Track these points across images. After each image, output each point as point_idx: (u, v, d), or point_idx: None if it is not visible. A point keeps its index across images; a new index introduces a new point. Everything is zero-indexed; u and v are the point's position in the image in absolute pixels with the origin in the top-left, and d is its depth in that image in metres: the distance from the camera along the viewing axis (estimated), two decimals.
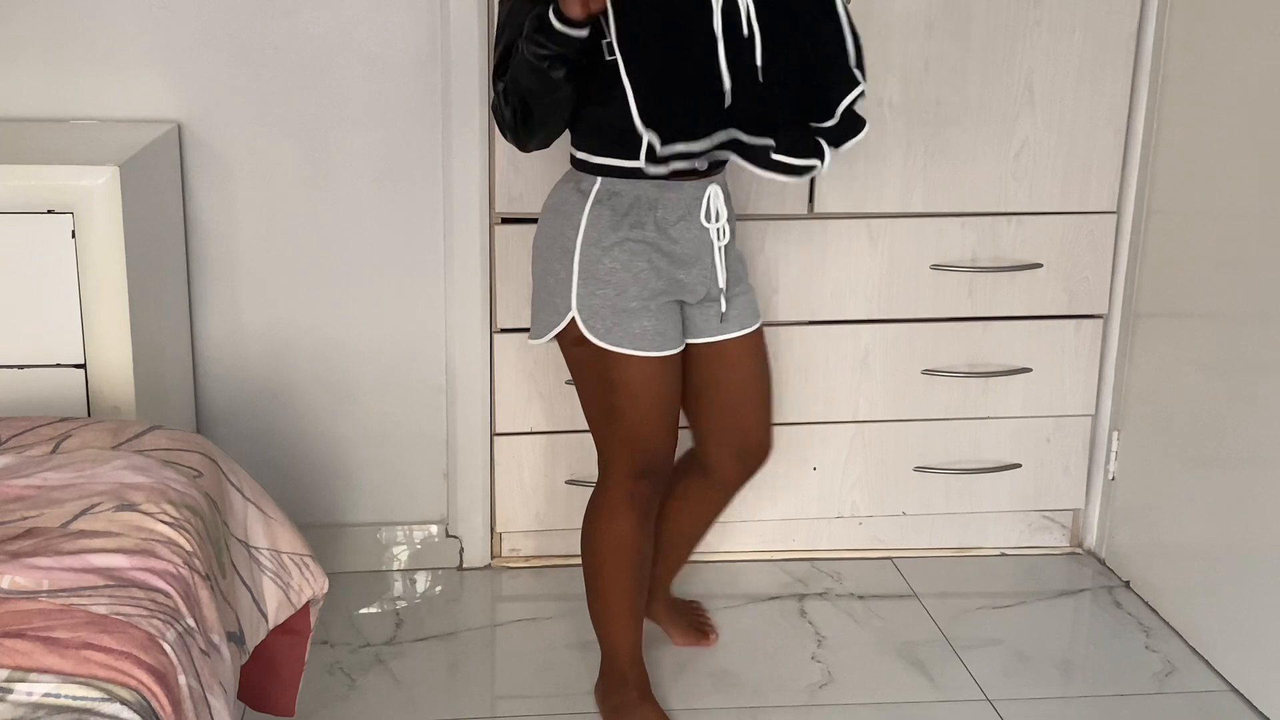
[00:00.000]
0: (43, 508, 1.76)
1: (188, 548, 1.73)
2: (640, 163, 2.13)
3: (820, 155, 2.19)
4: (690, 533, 2.63)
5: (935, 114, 2.90)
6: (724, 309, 2.35)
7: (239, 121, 2.84)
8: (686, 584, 3.06)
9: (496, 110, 2.21)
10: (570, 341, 2.32)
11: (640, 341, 2.28)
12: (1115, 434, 3.12)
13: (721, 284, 2.33)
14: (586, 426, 2.43)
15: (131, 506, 1.77)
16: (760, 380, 2.44)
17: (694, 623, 2.82)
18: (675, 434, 2.39)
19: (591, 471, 2.49)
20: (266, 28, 2.81)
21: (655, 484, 2.40)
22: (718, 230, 2.30)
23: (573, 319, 2.28)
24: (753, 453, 2.48)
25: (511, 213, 2.85)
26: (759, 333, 2.42)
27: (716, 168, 2.30)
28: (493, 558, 3.14)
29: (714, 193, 2.29)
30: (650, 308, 2.27)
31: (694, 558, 3.14)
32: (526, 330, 2.71)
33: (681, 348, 2.35)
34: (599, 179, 2.25)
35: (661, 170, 2.12)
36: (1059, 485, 3.19)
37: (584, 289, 2.26)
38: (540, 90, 2.12)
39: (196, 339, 2.95)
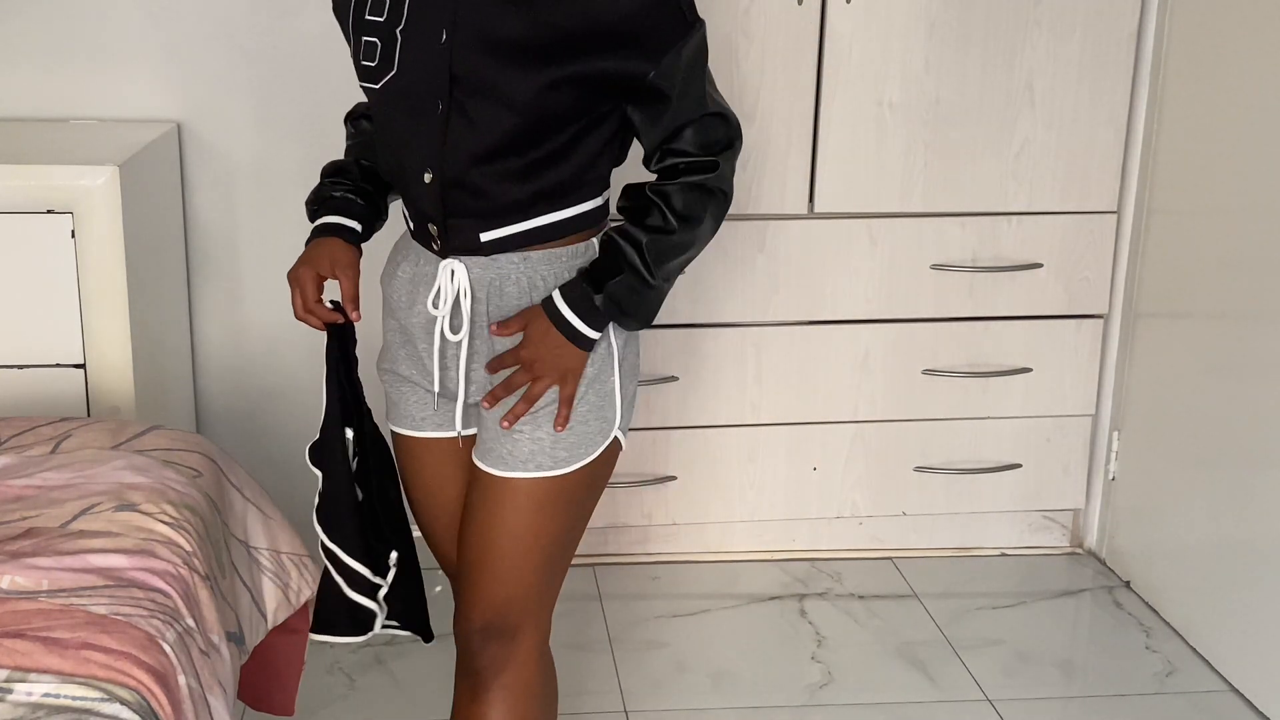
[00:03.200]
0: (42, 508, 1.76)
1: (187, 548, 1.73)
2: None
3: None
4: None
5: (935, 114, 2.90)
6: (459, 426, 1.83)
7: (239, 121, 2.84)
8: (687, 583, 3.07)
9: None
10: None
11: (389, 414, 1.92)
12: (1115, 434, 3.12)
13: (461, 394, 1.79)
14: None
15: (131, 506, 1.76)
16: (475, 531, 1.81)
17: None
18: (450, 546, 1.92)
19: None
20: (266, 28, 2.81)
21: (462, 623, 1.85)
22: (445, 319, 1.76)
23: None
24: (456, 617, 1.85)
25: None
26: (504, 482, 1.77)
27: (469, 250, 1.75)
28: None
29: (458, 273, 1.75)
30: (386, 374, 1.90)
31: (693, 558, 3.15)
32: None
33: (451, 434, 1.86)
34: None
35: None
36: (1059, 485, 3.19)
37: None
38: None
39: (196, 339, 2.95)
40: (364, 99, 1.90)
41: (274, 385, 2.99)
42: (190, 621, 1.64)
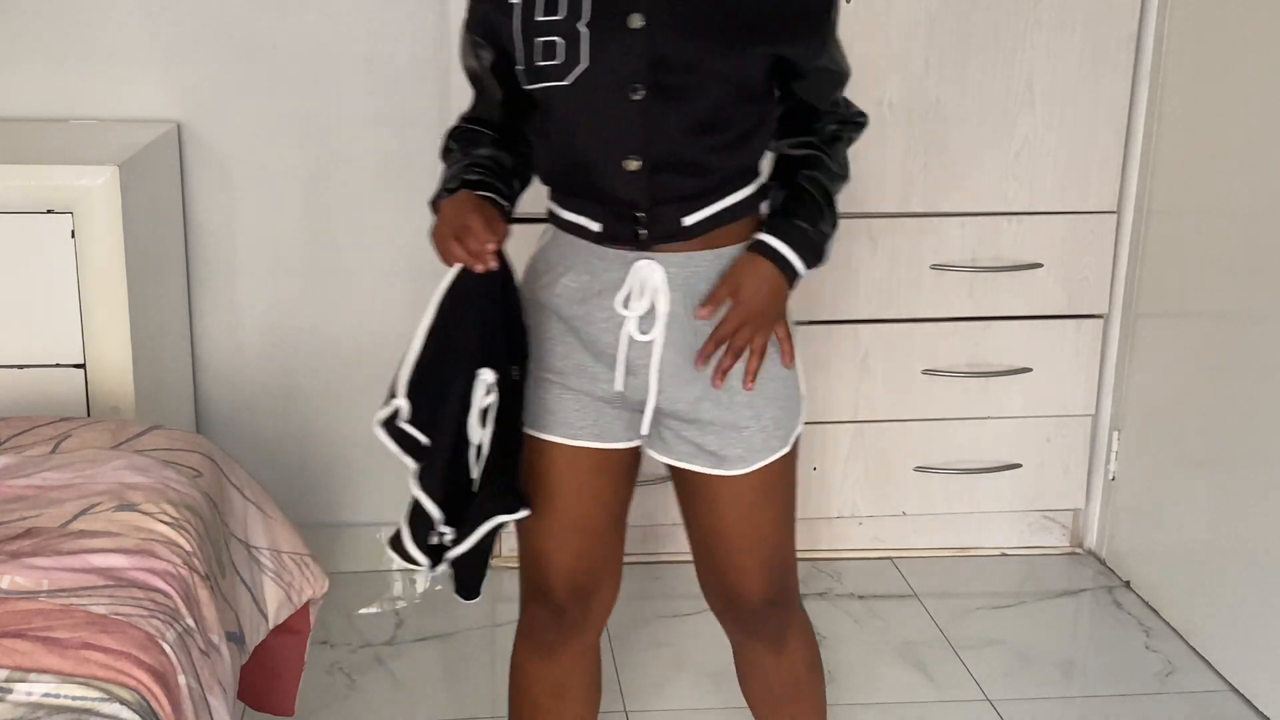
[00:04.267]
0: (42, 508, 1.76)
1: (187, 548, 1.73)
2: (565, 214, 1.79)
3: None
4: (754, 705, 2.14)
5: (935, 114, 2.90)
6: (646, 429, 1.84)
7: (239, 121, 2.84)
8: (687, 583, 3.06)
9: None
10: None
11: (536, 419, 1.83)
12: (1115, 434, 3.12)
13: (651, 397, 1.79)
14: None
15: (131, 506, 1.76)
16: (738, 528, 1.91)
17: None
18: (583, 554, 1.90)
19: None
20: (266, 27, 2.81)
21: (553, 613, 1.93)
22: (638, 321, 1.76)
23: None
24: (735, 601, 1.96)
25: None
26: (747, 477, 1.86)
27: (670, 237, 1.76)
28: (492, 558, 3.13)
29: (649, 272, 1.76)
30: (544, 377, 1.82)
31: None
32: None
33: (606, 445, 1.85)
34: (553, 226, 1.85)
35: None
36: (1059, 485, 3.19)
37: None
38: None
39: (196, 339, 2.95)
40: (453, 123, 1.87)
41: (274, 385, 2.99)
42: (190, 621, 1.64)
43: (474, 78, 1.83)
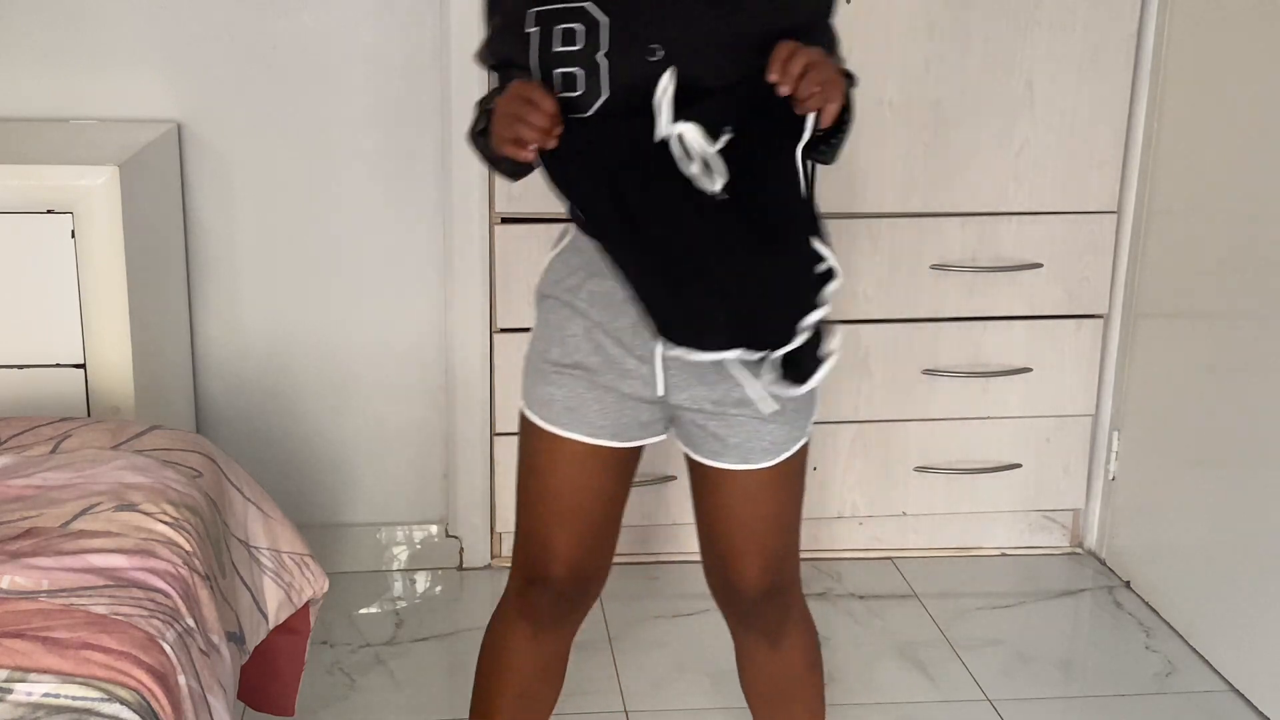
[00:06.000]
0: (42, 508, 1.76)
1: (187, 548, 1.73)
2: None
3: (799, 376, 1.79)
4: (751, 700, 2.17)
5: (935, 114, 2.90)
6: (655, 421, 1.88)
7: (239, 121, 2.84)
8: (687, 583, 3.06)
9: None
10: None
11: (544, 409, 1.86)
12: (1115, 434, 3.12)
13: (658, 391, 1.82)
14: None
15: (131, 506, 1.76)
16: (750, 524, 1.94)
17: None
18: (586, 545, 1.93)
19: None
20: (266, 27, 2.81)
21: (553, 597, 1.96)
22: None
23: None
24: (731, 590, 1.99)
25: (511, 213, 2.85)
26: (762, 473, 1.89)
27: None
28: (493, 558, 3.14)
29: None
30: (565, 374, 1.84)
31: (693, 558, 3.14)
32: (527, 330, 2.70)
33: (620, 444, 1.88)
34: (573, 228, 1.85)
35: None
36: (1059, 485, 3.19)
37: (532, 334, 1.92)
38: (505, 172, 1.88)
39: (196, 339, 2.95)
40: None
41: (274, 385, 2.99)
42: (190, 621, 1.63)
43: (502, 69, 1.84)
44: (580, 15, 1.70)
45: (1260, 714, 2.61)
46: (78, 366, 2.41)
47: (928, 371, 3.05)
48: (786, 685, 2.10)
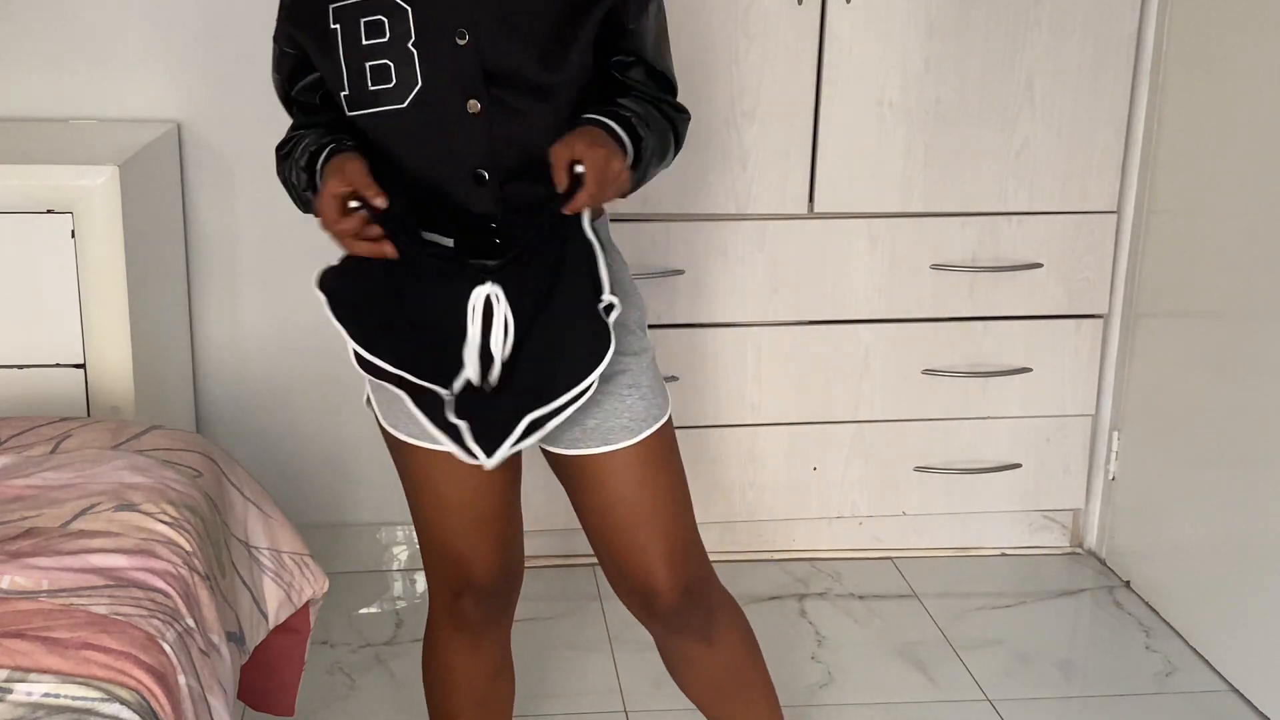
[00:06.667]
0: (42, 508, 1.76)
1: (187, 548, 1.73)
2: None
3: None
4: (699, 701, 2.10)
5: (935, 114, 2.90)
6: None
7: (239, 121, 2.84)
8: None
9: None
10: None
11: (404, 422, 1.82)
12: (1115, 434, 3.12)
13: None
14: None
15: (131, 506, 1.76)
16: (638, 511, 1.85)
17: None
18: (492, 542, 1.90)
19: None
20: (267, 27, 2.80)
21: (481, 602, 1.94)
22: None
23: (367, 395, 1.90)
24: (649, 594, 1.89)
25: None
26: (629, 453, 1.83)
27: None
28: None
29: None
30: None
31: None
32: None
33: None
34: None
35: None
36: (1059, 485, 3.19)
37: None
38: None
39: (196, 339, 2.95)
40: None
41: (274, 385, 2.99)
42: (190, 621, 1.64)
43: (280, 92, 1.83)
44: (381, 7, 1.68)
45: (1260, 714, 2.61)
46: (78, 366, 2.41)
47: (928, 371, 3.05)
48: (734, 678, 2.03)
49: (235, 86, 2.82)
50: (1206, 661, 2.78)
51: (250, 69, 2.82)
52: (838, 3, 2.81)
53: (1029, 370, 3.08)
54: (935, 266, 2.99)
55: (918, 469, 3.12)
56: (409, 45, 1.68)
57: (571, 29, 1.71)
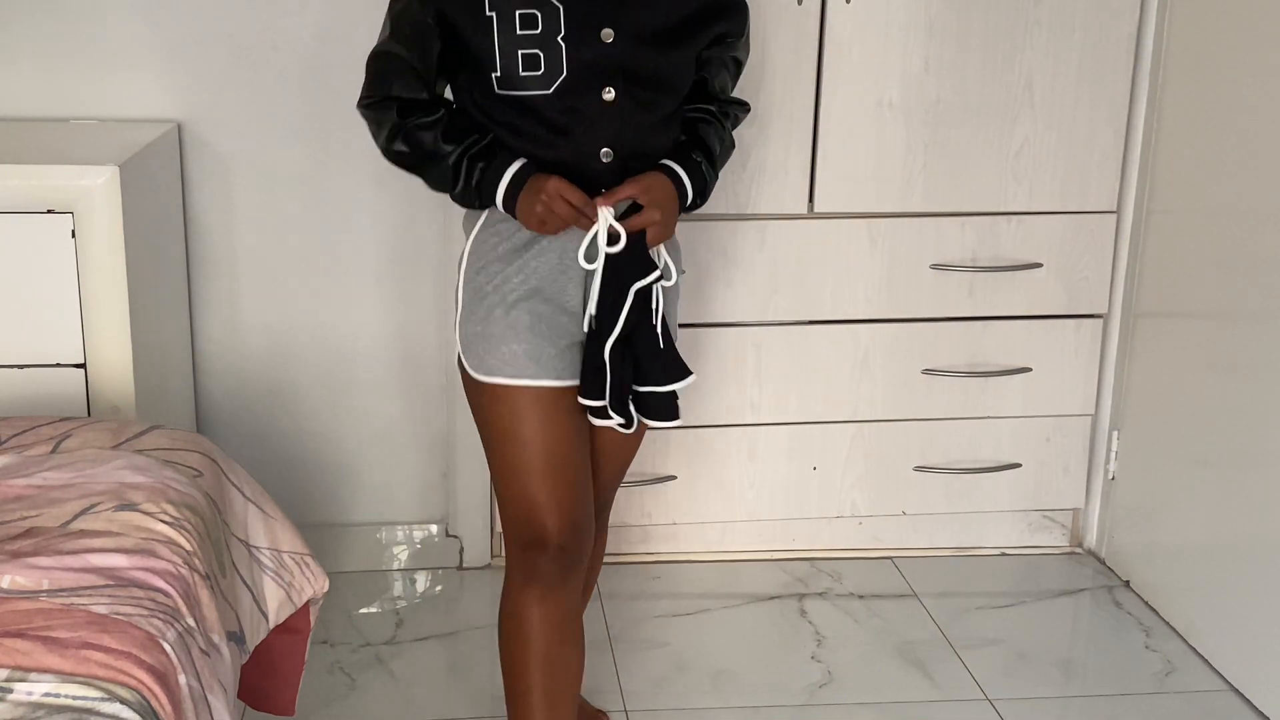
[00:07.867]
0: (43, 507, 1.76)
1: (188, 547, 1.73)
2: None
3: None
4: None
5: (935, 114, 2.90)
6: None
7: (239, 121, 2.84)
8: (687, 583, 3.07)
9: (374, 133, 2.12)
10: (463, 380, 2.12)
11: (508, 367, 2.01)
12: (1115, 434, 3.12)
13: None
14: None
15: (131, 506, 1.77)
16: (622, 460, 2.25)
17: None
18: (575, 495, 2.06)
19: None
20: (266, 27, 2.81)
21: (555, 557, 2.05)
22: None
23: (459, 352, 2.08)
24: (588, 528, 2.12)
25: None
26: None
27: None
28: (493, 557, 3.14)
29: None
30: (519, 330, 2.00)
31: (693, 557, 3.15)
32: None
33: (575, 383, 2.05)
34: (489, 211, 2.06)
35: None
36: (1059, 485, 3.19)
37: (465, 314, 2.06)
38: (437, 182, 2.08)
39: (196, 339, 2.95)
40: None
41: (274, 385, 2.99)
42: (190, 621, 1.64)
43: (400, 60, 2.04)
44: (535, 2, 1.94)
45: (1260, 714, 2.61)
46: (78, 366, 2.41)
47: (928, 371, 3.05)
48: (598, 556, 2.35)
49: (235, 86, 2.82)
50: (1206, 661, 2.79)
51: (250, 69, 2.82)
52: (838, 3, 2.81)
53: (1029, 370, 3.08)
54: (935, 266, 2.99)
55: (917, 469, 3.12)
56: (558, 39, 1.94)
57: (691, 36, 2.04)
